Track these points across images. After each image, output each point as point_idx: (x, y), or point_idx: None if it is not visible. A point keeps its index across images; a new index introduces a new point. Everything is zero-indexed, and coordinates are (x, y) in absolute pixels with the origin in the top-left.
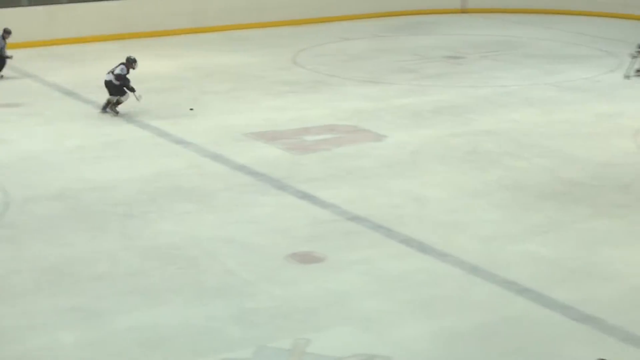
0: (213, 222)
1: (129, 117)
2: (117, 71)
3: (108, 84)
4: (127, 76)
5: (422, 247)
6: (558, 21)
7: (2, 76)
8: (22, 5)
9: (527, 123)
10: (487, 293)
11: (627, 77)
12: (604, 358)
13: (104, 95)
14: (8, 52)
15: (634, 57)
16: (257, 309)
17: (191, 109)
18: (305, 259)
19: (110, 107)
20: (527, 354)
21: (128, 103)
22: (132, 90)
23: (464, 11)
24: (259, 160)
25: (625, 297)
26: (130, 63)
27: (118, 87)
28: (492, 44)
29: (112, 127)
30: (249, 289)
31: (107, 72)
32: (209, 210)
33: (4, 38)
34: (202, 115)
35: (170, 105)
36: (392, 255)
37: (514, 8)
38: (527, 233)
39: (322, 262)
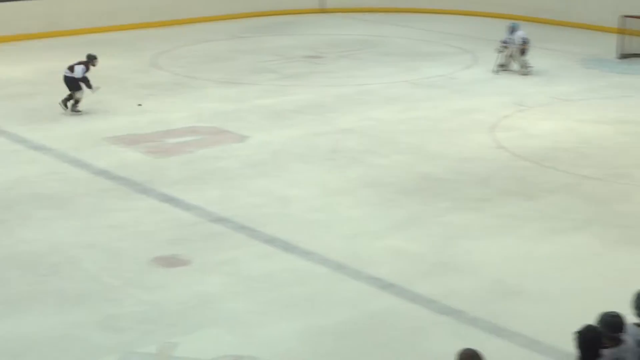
0: (74, 228)
1: None
2: (78, 73)
3: (66, 79)
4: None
5: (287, 246)
6: (413, 19)
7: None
8: None
9: (387, 120)
10: (352, 290)
11: (495, 72)
12: (470, 348)
13: None
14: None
15: (499, 52)
16: (122, 314)
17: (139, 105)
18: (170, 262)
19: (71, 105)
20: (392, 347)
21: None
22: (90, 87)
23: (322, 11)
24: (120, 164)
25: (485, 289)
26: (91, 60)
27: (76, 82)
28: (351, 43)
29: None
30: (113, 295)
31: (65, 68)
32: (70, 216)
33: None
34: (61, 120)
35: (27, 111)
36: (257, 255)
37: (371, 7)
38: (390, 229)
39: (187, 264)
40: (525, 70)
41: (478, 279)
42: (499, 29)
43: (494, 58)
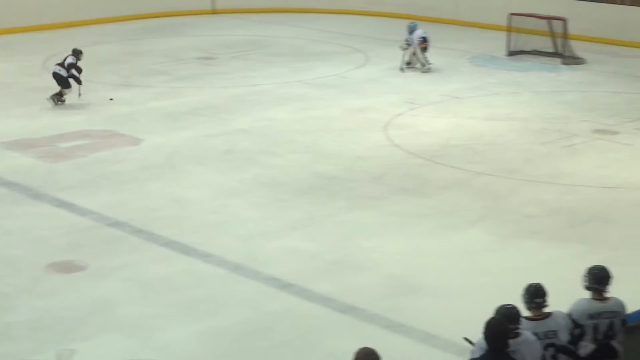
0: None
1: None
2: (70, 68)
3: (56, 76)
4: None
5: (184, 249)
6: (304, 20)
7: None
8: None
9: (281, 120)
10: (250, 290)
11: (401, 69)
12: (366, 347)
13: None
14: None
15: (404, 49)
16: (16, 322)
17: (111, 99)
18: (66, 268)
19: (57, 98)
20: (292, 347)
21: None
22: (80, 83)
23: (213, 12)
24: (12, 169)
25: (382, 286)
26: (76, 55)
27: (65, 79)
28: (243, 44)
29: None
30: (7, 303)
31: (55, 64)
32: None
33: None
34: None
35: None
36: (154, 259)
37: (261, 8)
38: (287, 229)
39: (83, 270)
40: (425, 68)
41: (375, 276)
42: (389, 28)
43: (387, 56)
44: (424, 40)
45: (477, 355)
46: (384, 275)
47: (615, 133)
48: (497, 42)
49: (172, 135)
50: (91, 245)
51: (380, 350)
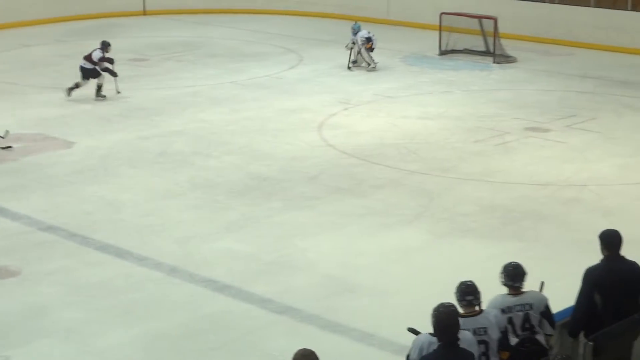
0: None
1: None
2: (101, 62)
3: (82, 69)
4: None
5: (120, 253)
6: (236, 20)
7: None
8: None
9: (215, 122)
10: (187, 293)
11: (348, 68)
12: (305, 348)
13: None
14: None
15: (349, 48)
16: None
17: (118, 92)
18: None
19: (95, 91)
20: (231, 348)
21: None
22: (115, 75)
23: (145, 13)
24: None
25: (319, 286)
26: (104, 47)
27: (91, 70)
28: (175, 45)
29: None
30: None
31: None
32: None
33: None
34: None
35: None
36: (89, 263)
37: (194, 9)
38: (223, 230)
39: (17, 275)
40: (371, 67)
41: (312, 276)
42: (322, 28)
43: (320, 57)
44: (368, 40)
45: (418, 351)
46: (321, 276)
47: (547, 131)
48: (429, 42)
49: (105, 137)
50: (24, 250)
51: (318, 351)
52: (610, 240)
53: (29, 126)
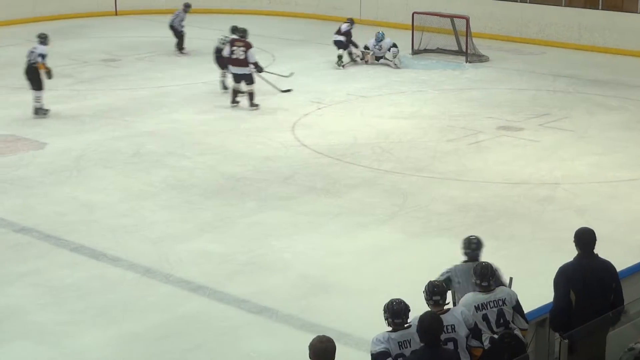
0: None
1: None
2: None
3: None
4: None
5: (94, 254)
6: (208, 20)
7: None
8: None
9: (188, 122)
10: (162, 294)
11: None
12: (322, 335)
13: None
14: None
15: (359, 57)
16: None
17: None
18: None
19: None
20: (206, 349)
21: None
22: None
23: (116, 13)
24: None
25: (295, 286)
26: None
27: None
28: (147, 45)
29: None
30: None
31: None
32: None
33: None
34: None
35: None
36: (63, 264)
37: (165, 9)
38: (197, 231)
39: None
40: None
41: (288, 276)
42: (294, 28)
43: (293, 56)
44: (394, 46)
45: (379, 346)
46: (296, 275)
47: (520, 129)
48: (401, 41)
49: (78, 138)
50: None
51: (294, 351)
52: (584, 238)
53: (0, 127)
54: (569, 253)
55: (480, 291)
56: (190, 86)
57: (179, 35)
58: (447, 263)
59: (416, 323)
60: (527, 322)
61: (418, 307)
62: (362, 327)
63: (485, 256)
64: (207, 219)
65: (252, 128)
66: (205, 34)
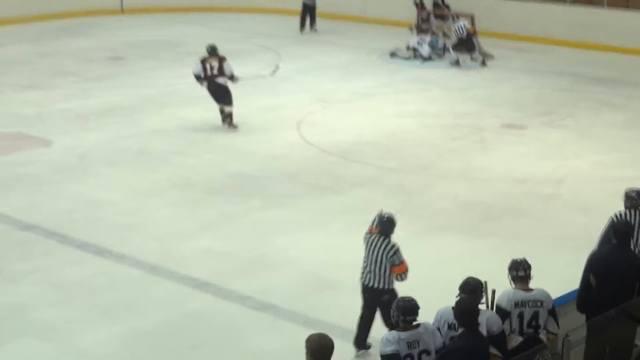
0: None
1: None
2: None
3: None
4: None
5: (99, 251)
6: (214, 18)
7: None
8: None
9: (194, 120)
10: (167, 291)
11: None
12: (320, 333)
13: None
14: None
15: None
16: None
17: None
18: None
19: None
20: (211, 346)
21: None
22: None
23: (122, 12)
24: None
25: (300, 283)
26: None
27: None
28: (153, 44)
29: None
30: None
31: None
32: None
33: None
34: None
35: None
36: (69, 261)
37: (170, 7)
38: (202, 228)
39: None
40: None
41: (293, 274)
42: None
43: (298, 54)
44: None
45: (390, 347)
46: (301, 273)
47: (524, 128)
48: (406, 39)
49: (84, 136)
50: (3, 249)
51: (298, 348)
52: (618, 229)
53: (7, 125)
54: (573, 251)
55: (519, 287)
56: (196, 84)
57: (313, 10)
58: (451, 260)
59: (425, 324)
60: (558, 326)
61: (424, 304)
62: None
63: (489, 254)
64: (212, 217)
65: (258, 126)
66: (209, 32)
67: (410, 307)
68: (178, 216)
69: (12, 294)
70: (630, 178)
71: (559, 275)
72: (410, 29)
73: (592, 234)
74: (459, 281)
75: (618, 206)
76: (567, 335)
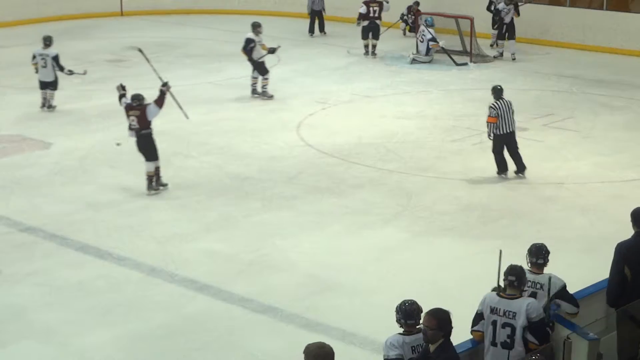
0: None
1: None
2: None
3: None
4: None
5: (99, 253)
6: (213, 21)
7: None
8: None
9: (194, 122)
10: (167, 293)
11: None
12: (319, 342)
13: None
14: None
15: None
16: None
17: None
18: None
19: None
20: (211, 348)
21: None
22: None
23: (123, 14)
24: None
25: (300, 285)
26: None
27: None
28: (152, 46)
29: None
30: None
31: None
32: None
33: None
34: None
35: None
36: (69, 263)
37: (170, 9)
38: (202, 230)
39: None
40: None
41: (293, 276)
42: (299, 28)
43: (298, 57)
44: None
45: (394, 351)
46: (301, 275)
47: (524, 129)
48: (406, 41)
49: (84, 138)
50: (3, 251)
51: (298, 350)
52: (638, 217)
53: (6, 127)
54: (574, 252)
55: (532, 271)
56: (196, 86)
57: (320, 15)
58: (451, 262)
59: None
60: (577, 306)
61: (424, 305)
62: (367, 327)
63: (489, 256)
64: (213, 219)
65: (258, 128)
66: (211, 34)
67: (410, 312)
68: (178, 218)
69: (11, 296)
70: (630, 179)
71: (560, 276)
72: (404, 32)
73: (593, 235)
74: (459, 282)
75: (618, 207)
76: (568, 338)
